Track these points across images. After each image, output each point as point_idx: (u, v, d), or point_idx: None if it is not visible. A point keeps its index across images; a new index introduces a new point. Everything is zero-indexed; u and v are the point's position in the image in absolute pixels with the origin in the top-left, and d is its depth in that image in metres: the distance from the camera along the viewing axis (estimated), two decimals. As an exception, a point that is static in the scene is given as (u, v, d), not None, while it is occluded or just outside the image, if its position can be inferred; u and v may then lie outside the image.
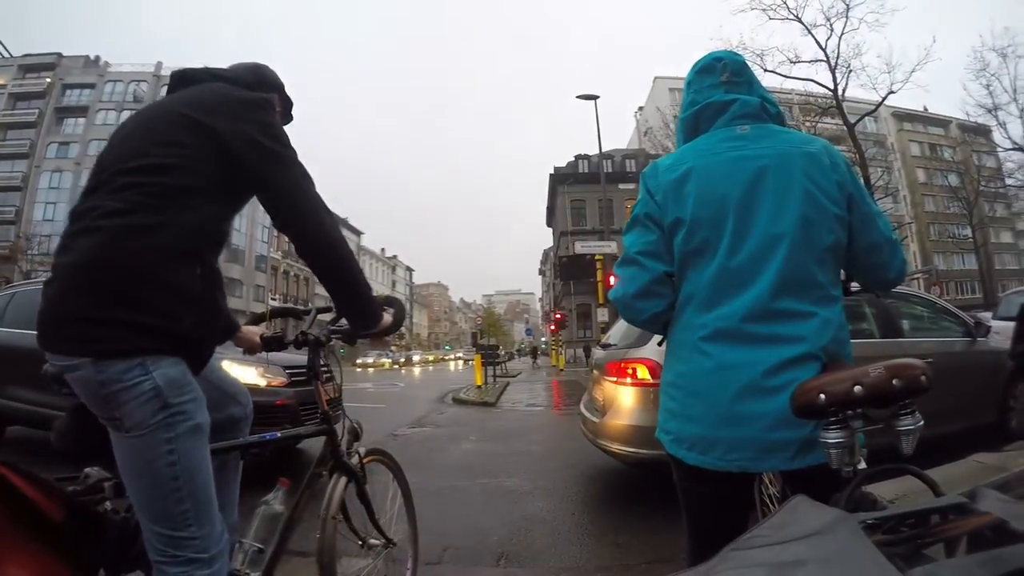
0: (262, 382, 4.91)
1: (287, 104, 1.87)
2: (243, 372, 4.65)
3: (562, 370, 28.09)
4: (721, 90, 1.52)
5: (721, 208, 1.37)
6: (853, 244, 1.42)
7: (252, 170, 1.46)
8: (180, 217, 1.36)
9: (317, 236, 1.50)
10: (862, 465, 1.22)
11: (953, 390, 4.79)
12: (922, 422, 1.16)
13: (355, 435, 2.14)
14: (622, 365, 4.15)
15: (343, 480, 2.00)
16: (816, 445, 1.21)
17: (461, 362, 59.87)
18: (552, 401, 13.72)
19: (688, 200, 1.39)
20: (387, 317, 1.79)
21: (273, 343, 2.06)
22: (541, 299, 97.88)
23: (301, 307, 2.29)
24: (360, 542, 2.13)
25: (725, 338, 1.33)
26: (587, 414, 4.72)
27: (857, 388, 1.13)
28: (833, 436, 1.16)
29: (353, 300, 1.64)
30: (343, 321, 1.86)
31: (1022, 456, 4.28)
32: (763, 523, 0.72)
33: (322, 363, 2.01)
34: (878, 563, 0.56)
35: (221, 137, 1.43)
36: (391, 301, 1.89)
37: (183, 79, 1.60)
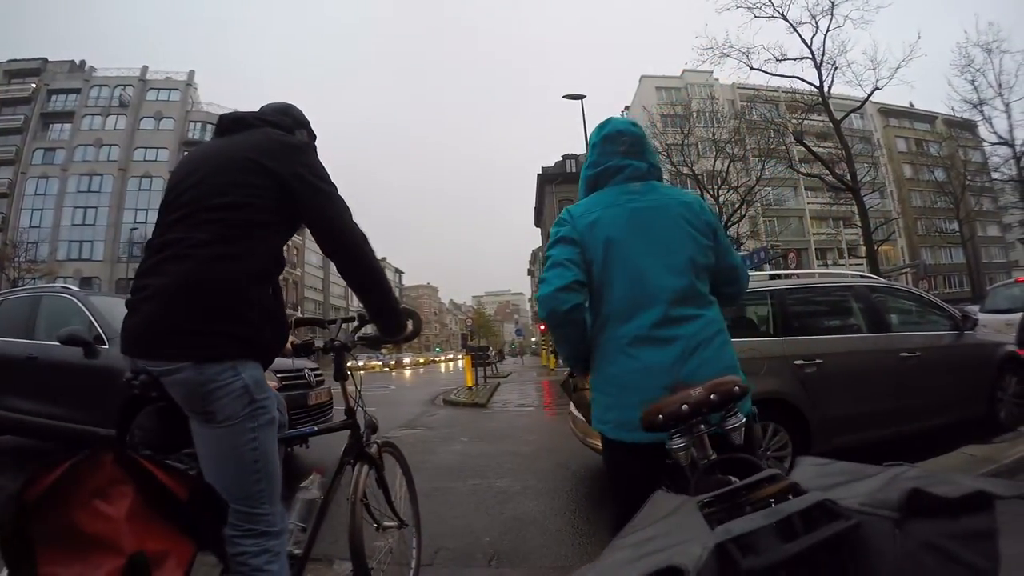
0: None
1: (312, 137, 2.11)
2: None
3: (553, 369, 28.08)
4: (619, 157, 1.93)
5: (624, 246, 1.79)
6: (716, 266, 1.88)
7: (307, 206, 1.75)
8: (255, 246, 1.66)
9: (359, 261, 1.82)
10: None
11: (942, 383, 4.84)
12: (744, 420, 1.53)
13: (373, 428, 2.40)
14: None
15: (366, 468, 2.27)
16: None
17: (452, 364, 59.77)
18: (543, 401, 13.71)
19: (599, 241, 1.80)
20: (410, 325, 2.07)
21: (303, 349, 2.33)
22: (530, 299, 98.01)
23: (323, 317, 2.54)
24: (375, 525, 2.36)
25: (643, 342, 1.73)
26: (577, 414, 4.73)
27: (684, 407, 1.45)
28: (677, 443, 1.47)
29: (386, 312, 1.96)
30: (365, 329, 2.27)
31: (1012, 447, 4.32)
32: (636, 516, 0.97)
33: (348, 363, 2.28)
34: (699, 526, 0.78)
35: (282, 179, 1.71)
36: (410, 313, 2.11)
37: (237, 122, 1.87)
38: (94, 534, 1.27)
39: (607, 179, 1.94)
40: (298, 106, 2.11)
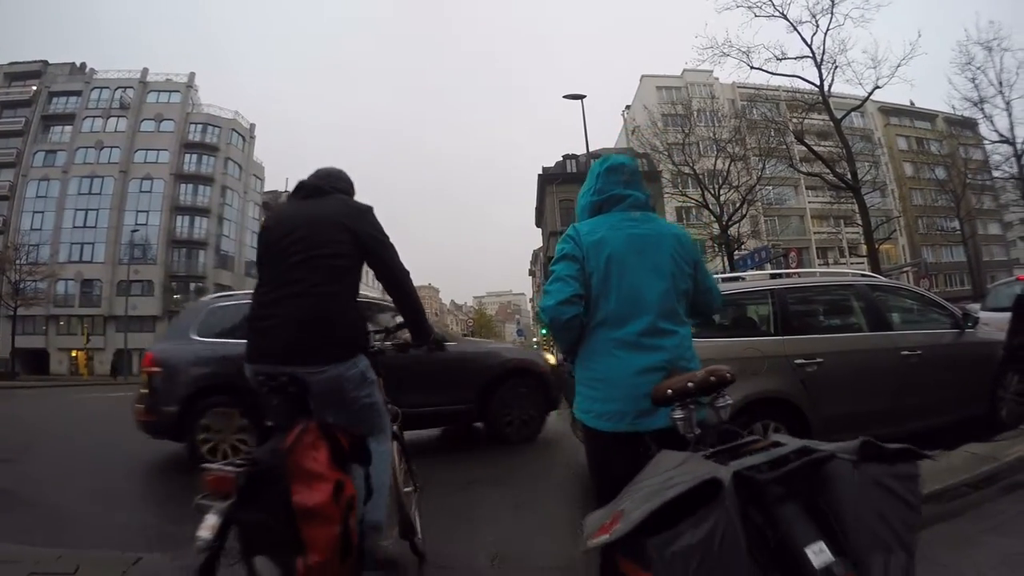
0: None
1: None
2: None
3: (555, 369, 27.94)
4: (621, 186, 2.27)
5: (624, 265, 2.11)
6: (696, 288, 2.25)
7: (374, 255, 2.55)
8: (349, 284, 2.49)
9: (404, 290, 2.66)
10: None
11: (943, 382, 4.84)
12: (731, 400, 1.86)
13: (395, 416, 2.96)
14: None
15: (397, 444, 2.98)
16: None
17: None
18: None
19: (602, 258, 2.12)
20: (436, 334, 2.84)
21: None
22: (532, 299, 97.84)
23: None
24: (414, 485, 3.20)
25: (629, 347, 2.06)
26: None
27: (690, 384, 1.80)
28: (678, 414, 1.82)
29: (419, 325, 2.75)
30: (397, 336, 3.03)
31: (1013, 446, 4.32)
32: (643, 471, 1.45)
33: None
34: (711, 465, 1.21)
35: (359, 236, 2.49)
36: (433, 328, 2.82)
37: (315, 190, 2.62)
38: (311, 470, 1.96)
39: (611, 205, 2.25)
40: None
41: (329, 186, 2.64)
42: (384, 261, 2.57)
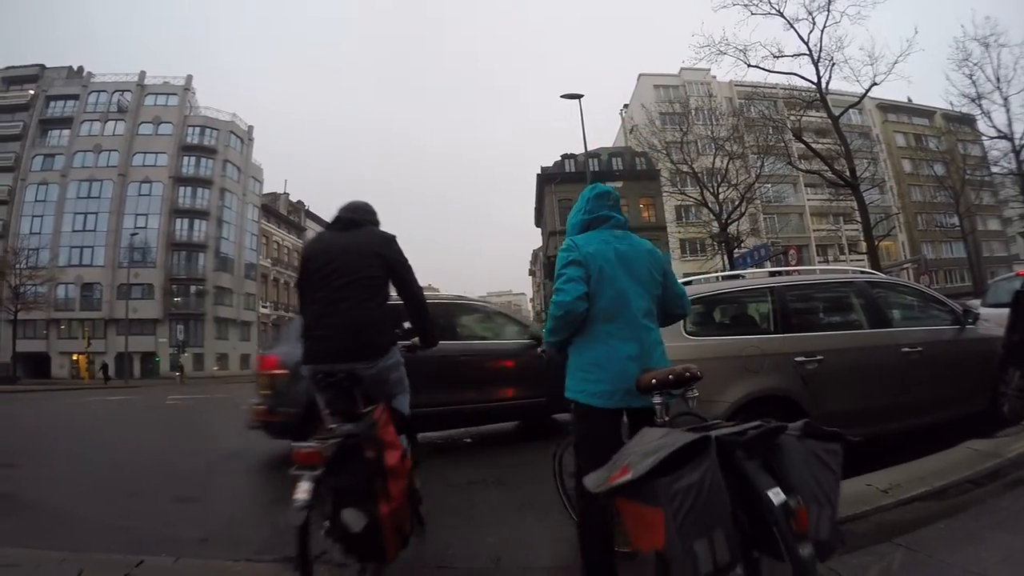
0: None
1: None
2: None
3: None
4: (607, 209, 2.77)
5: (612, 273, 2.57)
6: (666, 294, 2.75)
7: (398, 275, 3.10)
8: (383, 297, 3.03)
9: (418, 305, 3.23)
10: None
11: (943, 378, 4.83)
12: (698, 393, 2.41)
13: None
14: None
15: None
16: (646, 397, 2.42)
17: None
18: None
19: (595, 266, 2.57)
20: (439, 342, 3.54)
21: None
22: (532, 299, 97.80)
23: None
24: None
25: (616, 338, 2.52)
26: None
27: (670, 376, 2.33)
28: (657, 400, 2.36)
29: (427, 331, 3.32)
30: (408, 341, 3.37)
31: (1015, 442, 4.32)
32: (631, 442, 2.03)
33: None
34: (692, 436, 1.75)
35: (387, 262, 3.05)
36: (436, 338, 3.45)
37: (351, 223, 3.14)
38: (389, 440, 2.63)
39: (599, 224, 2.74)
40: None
41: (361, 219, 3.19)
42: (406, 281, 3.14)
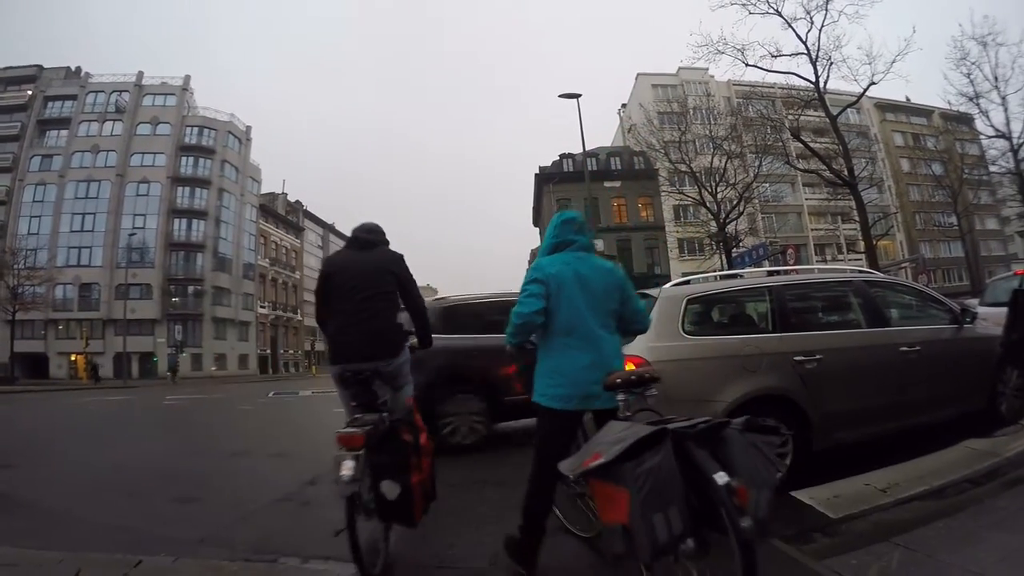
0: None
1: None
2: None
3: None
4: (572, 233, 3.08)
5: (570, 292, 2.88)
6: (624, 310, 3.02)
7: (406, 290, 3.62)
8: (396, 306, 3.57)
9: (421, 312, 3.75)
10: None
11: (942, 377, 4.83)
12: (656, 393, 2.66)
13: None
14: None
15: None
16: (607, 399, 2.73)
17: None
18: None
19: (557, 284, 2.89)
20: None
21: None
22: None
23: None
24: None
25: (574, 348, 2.84)
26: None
27: (633, 377, 2.68)
28: (621, 398, 2.64)
29: (425, 332, 3.83)
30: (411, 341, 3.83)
31: (1013, 441, 4.32)
32: (598, 433, 2.39)
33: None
34: (651, 429, 2.08)
35: (399, 277, 3.58)
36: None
37: (367, 244, 3.64)
38: (419, 424, 3.43)
39: (564, 246, 3.06)
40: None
41: (376, 239, 3.70)
42: (411, 293, 3.68)
